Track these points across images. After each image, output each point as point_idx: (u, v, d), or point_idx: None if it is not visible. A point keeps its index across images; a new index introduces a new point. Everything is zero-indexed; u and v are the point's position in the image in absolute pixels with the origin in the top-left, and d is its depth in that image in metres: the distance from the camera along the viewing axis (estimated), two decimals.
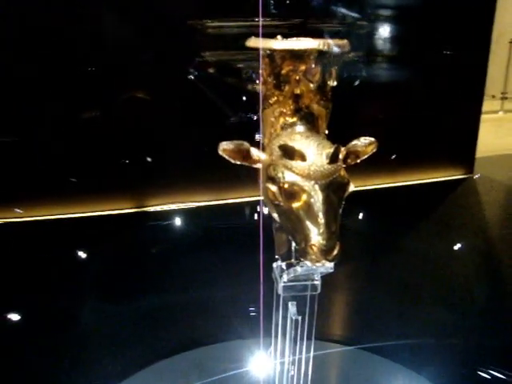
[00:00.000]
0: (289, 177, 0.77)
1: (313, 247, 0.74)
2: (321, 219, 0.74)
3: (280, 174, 0.78)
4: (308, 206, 0.76)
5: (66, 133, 1.75)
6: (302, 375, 1.04)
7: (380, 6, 2.15)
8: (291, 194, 0.77)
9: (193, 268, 1.88)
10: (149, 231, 2.14)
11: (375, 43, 2.22)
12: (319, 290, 0.92)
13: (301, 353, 1.01)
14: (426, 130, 2.66)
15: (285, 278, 0.90)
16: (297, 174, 0.77)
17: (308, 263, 0.77)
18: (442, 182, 2.91)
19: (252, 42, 0.84)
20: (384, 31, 2.25)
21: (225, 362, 1.41)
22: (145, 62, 1.52)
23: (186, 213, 2.23)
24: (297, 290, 0.92)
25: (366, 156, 0.86)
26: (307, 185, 0.76)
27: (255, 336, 1.25)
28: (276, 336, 1.00)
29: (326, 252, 0.74)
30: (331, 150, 0.77)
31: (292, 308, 0.97)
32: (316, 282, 0.91)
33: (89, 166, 1.89)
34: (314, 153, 0.78)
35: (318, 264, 0.77)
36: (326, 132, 0.90)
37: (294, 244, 0.81)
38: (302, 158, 0.77)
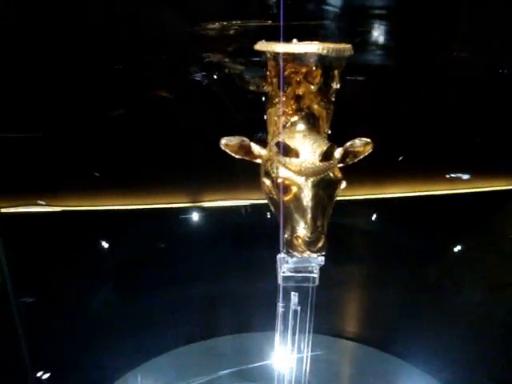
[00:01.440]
0: (282, 172, 0.83)
1: (298, 238, 0.79)
2: (308, 213, 0.79)
3: (275, 169, 0.84)
4: (297, 200, 0.81)
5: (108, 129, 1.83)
6: (304, 366, 1.09)
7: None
8: (283, 188, 0.82)
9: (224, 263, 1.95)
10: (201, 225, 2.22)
11: (438, 42, 2.15)
12: (317, 283, 0.96)
13: (300, 344, 1.06)
14: (482, 136, 2.56)
15: (284, 268, 0.94)
16: (290, 169, 0.82)
17: (295, 254, 0.82)
18: (500, 192, 2.80)
19: (258, 46, 0.89)
20: (450, 30, 2.18)
21: (239, 352, 1.48)
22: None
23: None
24: (295, 280, 0.96)
25: (363, 156, 0.90)
26: (298, 180, 0.81)
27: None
28: (280, 326, 1.05)
29: (310, 244, 0.79)
30: (325, 149, 0.81)
31: (294, 298, 1.02)
32: (314, 275, 0.95)
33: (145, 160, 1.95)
34: (308, 151, 0.83)
35: (304, 255, 0.82)
36: (329, 132, 0.94)
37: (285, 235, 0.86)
38: (296, 155, 0.82)
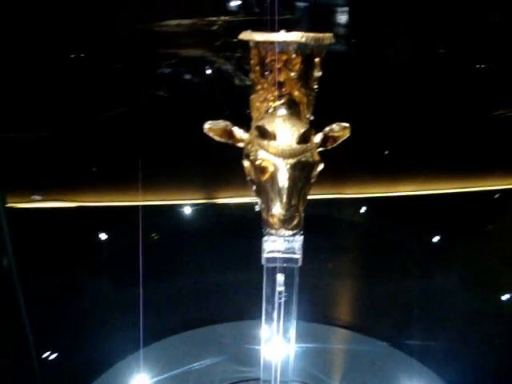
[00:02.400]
0: (260, 154, 0.87)
1: (273, 217, 0.83)
2: (283, 192, 0.83)
3: (254, 152, 0.88)
4: (274, 180, 0.85)
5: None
6: (289, 350, 1.12)
7: None
8: (261, 169, 0.86)
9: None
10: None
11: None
12: (300, 264, 0.99)
13: (286, 327, 1.09)
14: (495, 133, 2.54)
15: (266, 249, 0.98)
16: (268, 151, 0.86)
17: (272, 232, 0.86)
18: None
19: (242, 35, 0.93)
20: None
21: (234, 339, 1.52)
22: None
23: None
24: (278, 261, 1.00)
25: (342, 140, 0.93)
26: (276, 161, 0.85)
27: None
28: (266, 309, 1.08)
29: (284, 221, 0.83)
30: (302, 131, 0.86)
31: (280, 280, 1.05)
32: (297, 256, 0.98)
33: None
34: (287, 134, 0.87)
35: (280, 232, 0.86)
36: (311, 118, 0.97)
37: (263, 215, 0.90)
38: (275, 137, 0.86)
